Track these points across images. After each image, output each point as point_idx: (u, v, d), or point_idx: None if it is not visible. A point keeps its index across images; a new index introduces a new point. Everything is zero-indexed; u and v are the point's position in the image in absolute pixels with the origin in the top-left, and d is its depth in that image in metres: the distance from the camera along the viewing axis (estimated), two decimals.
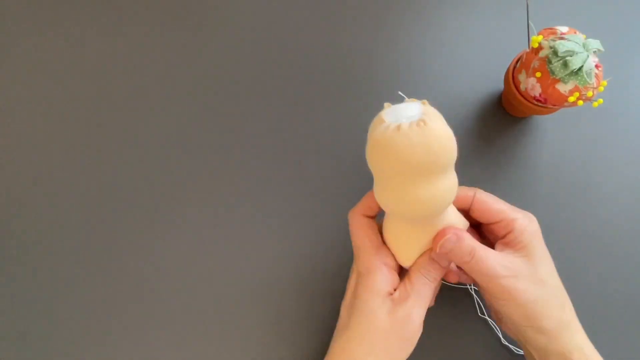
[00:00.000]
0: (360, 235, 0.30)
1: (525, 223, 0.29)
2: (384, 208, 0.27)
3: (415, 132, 0.22)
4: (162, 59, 0.43)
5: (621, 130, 0.41)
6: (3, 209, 0.40)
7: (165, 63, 0.43)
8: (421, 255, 0.30)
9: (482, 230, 0.34)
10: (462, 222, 0.30)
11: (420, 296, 0.29)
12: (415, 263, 0.30)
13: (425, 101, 0.24)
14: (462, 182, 0.40)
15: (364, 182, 0.40)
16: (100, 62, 0.43)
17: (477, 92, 0.42)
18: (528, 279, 0.28)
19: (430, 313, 0.30)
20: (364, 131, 0.41)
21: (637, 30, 0.43)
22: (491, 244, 0.31)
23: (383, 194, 0.26)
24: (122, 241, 0.39)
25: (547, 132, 0.41)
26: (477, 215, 0.31)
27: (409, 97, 0.26)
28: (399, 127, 0.22)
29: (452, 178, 0.26)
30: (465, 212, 0.31)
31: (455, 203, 0.30)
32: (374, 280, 0.29)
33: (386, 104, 0.25)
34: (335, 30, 0.44)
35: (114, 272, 0.38)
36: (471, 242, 0.28)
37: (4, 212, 0.40)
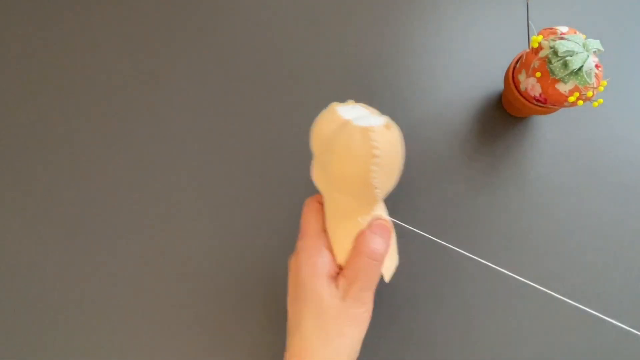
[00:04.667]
0: (307, 218, 0.30)
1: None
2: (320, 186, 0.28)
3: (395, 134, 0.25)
4: (158, 58, 0.43)
5: (621, 130, 0.41)
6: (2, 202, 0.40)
7: (162, 62, 0.43)
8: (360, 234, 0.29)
9: None
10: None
11: (367, 277, 0.28)
12: (356, 244, 0.28)
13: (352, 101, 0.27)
14: (461, 182, 0.41)
15: None
16: (92, 58, 0.43)
17: (477, 92, 0.42)
18: None
19: None
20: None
21: (637, 30, 0.43)
22: None
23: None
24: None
25: (547, 132, 0.41)
26: None
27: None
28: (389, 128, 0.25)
29: None
30: None
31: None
32: (315, 261, 0.28)
33: (334, 104, 0.27)
34: (335, 31, 0.44)
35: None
36: None
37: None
